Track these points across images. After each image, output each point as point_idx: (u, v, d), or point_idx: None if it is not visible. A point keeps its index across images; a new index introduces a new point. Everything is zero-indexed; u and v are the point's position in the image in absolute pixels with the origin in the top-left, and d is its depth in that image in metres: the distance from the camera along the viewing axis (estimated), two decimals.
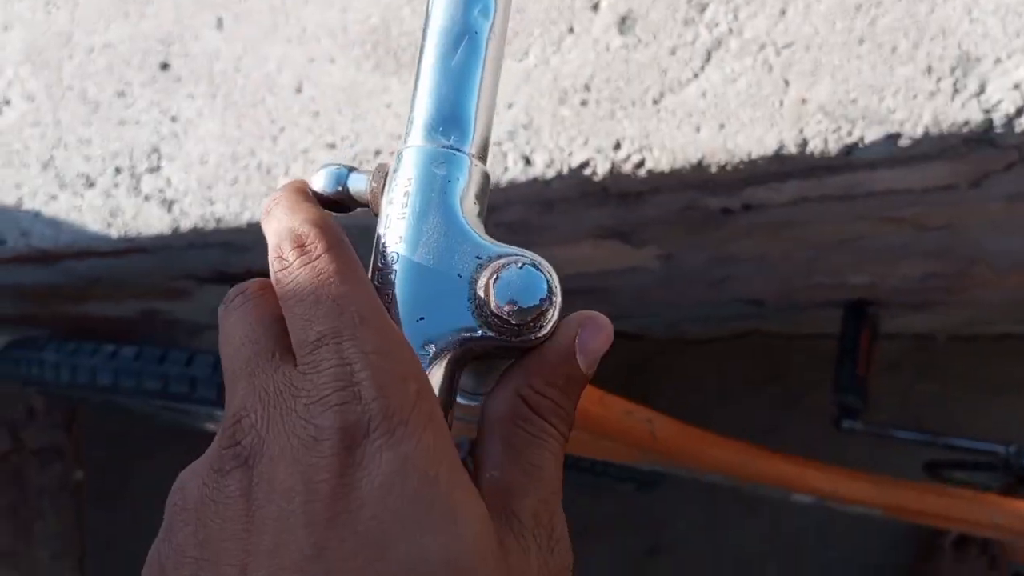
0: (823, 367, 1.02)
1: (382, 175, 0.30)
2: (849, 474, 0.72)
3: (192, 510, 0.26)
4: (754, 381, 1.34)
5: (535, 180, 0.61)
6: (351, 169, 0.32)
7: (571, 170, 0.60)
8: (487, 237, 0.29)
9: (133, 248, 0.75)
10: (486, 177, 0.30)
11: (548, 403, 0.29)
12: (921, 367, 1.28)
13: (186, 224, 0.70)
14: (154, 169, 0.72)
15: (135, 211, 0.72)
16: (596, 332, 0.30)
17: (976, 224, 0.70)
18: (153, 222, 0.71)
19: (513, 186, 0.62)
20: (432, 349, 0.28)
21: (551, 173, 0.61)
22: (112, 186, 0.73)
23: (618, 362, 1.39)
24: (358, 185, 0.31)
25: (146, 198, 0.72)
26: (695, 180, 0.60)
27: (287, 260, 0.29)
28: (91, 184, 0.74)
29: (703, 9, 0.60)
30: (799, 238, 0.74)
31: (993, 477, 0.91)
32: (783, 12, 0.58)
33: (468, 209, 0.29)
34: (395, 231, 0.29)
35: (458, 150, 0.29)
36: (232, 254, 0.76)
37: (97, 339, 0.82)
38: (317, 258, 0.28)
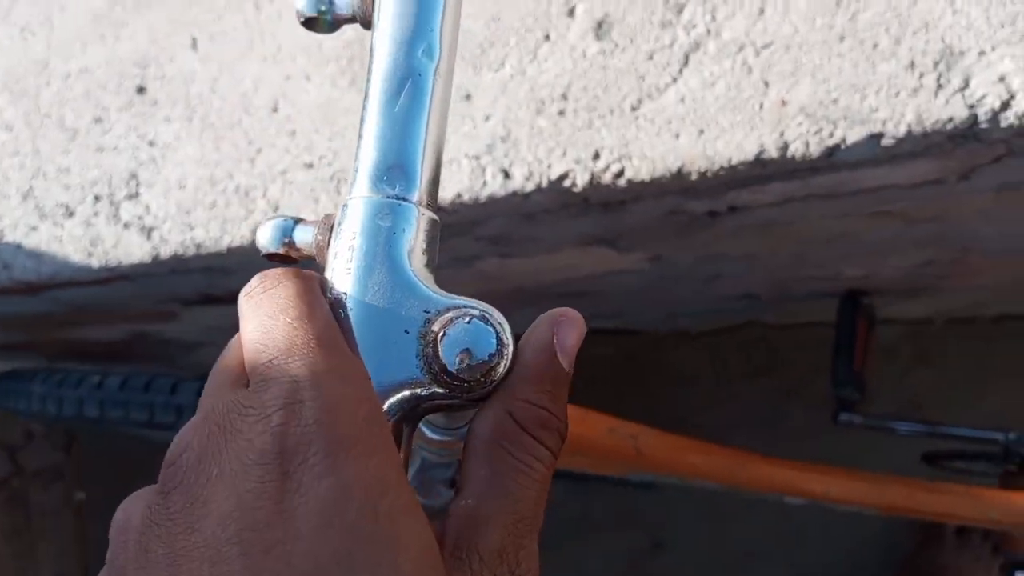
0: (822, 355, 1.01)
1: (328, 228, 0.29)
2: (842, 474, 0.71)
3: (135, 532, 0.25)
4: (753, 372, 1.33)
5: (515, 194, 0.60)
6: (297, 221, 0.31)
7: (550, 182, 0.59)
8: (436, 288, 0.28)
9: (115, 277, 0.74)
10: (435, 225, 0.29)
11: (540, 413, 0.28)
12: (919, 352, 1.28)
13: (166, 251, 0.69)
14: (133, 196, 0.71)
15: (115, 240, 0.71)
16: (571, 328, 0.29)
17: (966, 214, 0.69)
18: (133, 250, 0.70)
19: (492, 200, 0.61)
20: (382, 407, 0.27)
21: (530, 186, 0.60)
22: (92, 215, 0.72)
23: (615, 358, 1.38)
24: (304, 237, 0.30)
25: (125, 226, 0.71)
26: (676, 187, 0.59)
27: (250, 287, 0.29)
28: (71, 214, 0.73)
29: (680, 10, 0.59)
30: (788, 235, 0.73)
31: (993, 465, 0.90)
32: (762, 11, 0.57)
33: (416, 260, 0.28)
34: (341, 286, 0.28)
35: (404, 199, 0.28)
36: (215, 278, 0.75)
37: (90, 365, 0.82)
38: (277, 286, 0.28)
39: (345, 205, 0.29)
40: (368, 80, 0.30)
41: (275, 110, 0.68)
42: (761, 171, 0.56)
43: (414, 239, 0.28)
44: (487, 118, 0.62)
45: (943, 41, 0.53)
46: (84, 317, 0.90)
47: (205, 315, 0.92)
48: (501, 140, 0.61)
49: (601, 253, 0.76)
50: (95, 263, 0.72)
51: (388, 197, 0.28)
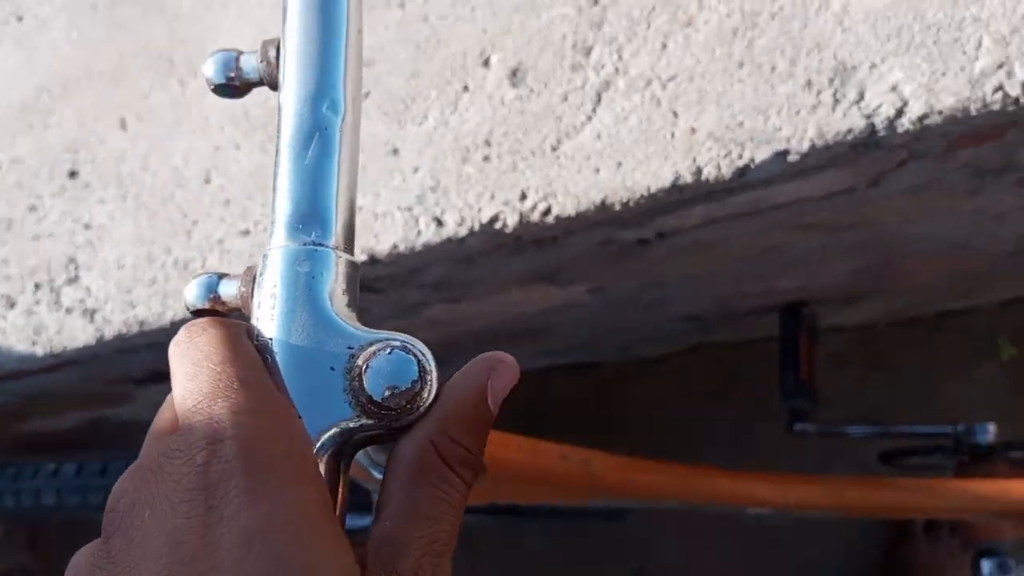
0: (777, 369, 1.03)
1: (250, 279, 0.31)
2: (798, 480, 0.73)
3: None
4: (713, 392, 1.35)
5: (449, 240, 0.62)
6: (221, 276, 0.32)
7: (482, 226, 0.61)
8: (358, 325, 0.29)
9: (61, 363, 0.74)
10: (353, 266, 0.31)
11: (460, 452, 0.29)
12: (868, 357, 1.31)
13: (110, 331, 0.70)
14: (73, 280, 0.72)
15: (58, 326, 0.71)
16: (505, 374, 0.30)
17: (885, 219, 0.72)
18: (77, 334, 0.71)
19: (428, 248, 0.62)
20: (315, 445, 0.28)
21: (463, 231, 0.62)
22: (33, 303, 0.72)
23: (577, 392, 1.40)
24: (229, 291, 0.32)
25: (67, 311, 0.71)
26: (602, 219, 0.61)
27: (177, 338, 0.30)
28: (12, 304, 0.73)
29: (588, 52, 0.61)
30: (719, 254, 0.76)
31: (947, 457, 0.92)
32: (664, 46, 0.60)
33: (337, 301, 0.29)
34: (267, 332, 0.29)
35: (321, 245, 0.30)
36: (161, 353, 0.76)
37: (43, 457, 0.81)
38: (202, 334, 0.29)
39: (265, 256, 0.30)
40: (278, 137, 0.31)
41: (207, 181, 0.69)
42: (679, 196, 0.59)
43: (334, 281, 0.29)
44: (415, 170, 0.64)
45: (836, 58, 0.56)
46: (36, 407, 0.90)
47: (159, 393, 0.92)
48: (431, 190, 0.63)
49: (543, 289, 0.78)
50: (40, 351, 0.72)
51: (305, 244, 0.30)
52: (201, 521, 0.25)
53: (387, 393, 0.28)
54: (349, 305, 0.30)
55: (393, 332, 0.29)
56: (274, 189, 0.31)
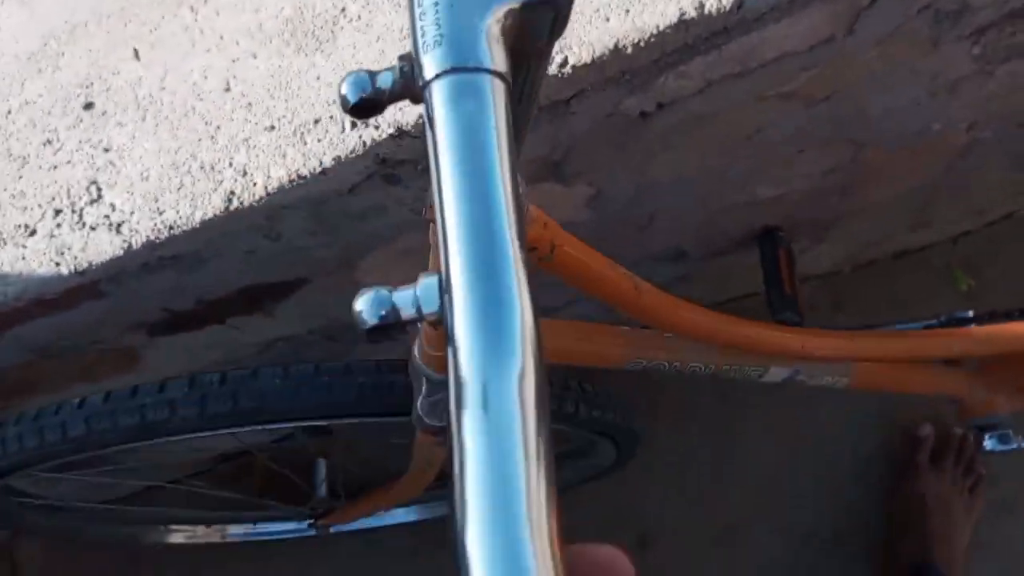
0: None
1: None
2: (818, 332, 0.77)
3: None
4: None
5: None
6: (372, 73, 0.35)
7: None
8: None
9: (84, 284, 0.74)
10: None
11: None
12: (836, 302, 1.37)
13: (138, 240, 0.71)
14: (95, 200, 0.73)
15: (83, 243, 0.72)
16: None
17: (858, 85, 0.78)
18: (104, 248, 0.71)
19: None
20: None
21: None
22: (54, 227, 0.73)
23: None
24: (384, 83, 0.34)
25: (92, 228, 0.72)
26: (615, 71, 0.66)
27: None
28: (32, 232, 0.74)
29: None
30: (711, 139, 0.81)
31: None
32: None
33: None
34: None
35: None
36: (186, 273, 0.77)
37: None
38: None
39: None
40: None
41: (227, 90, 0.72)
42: (685, 37, 0.64)
43: None
44: None
45: None
46: (42, 368, 0.88)
47: (171, 349, 0.91)
48: None
49: (548, 189, 0.82)
50: (64, 271, 0.72)
51: None
52: None
53: None
54: None
55: None
56: None
